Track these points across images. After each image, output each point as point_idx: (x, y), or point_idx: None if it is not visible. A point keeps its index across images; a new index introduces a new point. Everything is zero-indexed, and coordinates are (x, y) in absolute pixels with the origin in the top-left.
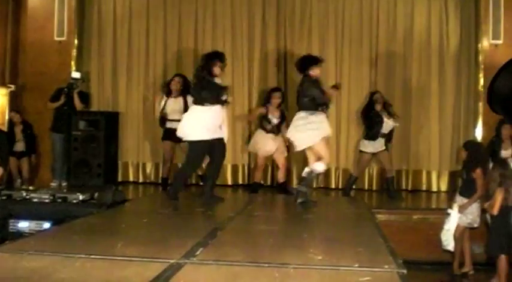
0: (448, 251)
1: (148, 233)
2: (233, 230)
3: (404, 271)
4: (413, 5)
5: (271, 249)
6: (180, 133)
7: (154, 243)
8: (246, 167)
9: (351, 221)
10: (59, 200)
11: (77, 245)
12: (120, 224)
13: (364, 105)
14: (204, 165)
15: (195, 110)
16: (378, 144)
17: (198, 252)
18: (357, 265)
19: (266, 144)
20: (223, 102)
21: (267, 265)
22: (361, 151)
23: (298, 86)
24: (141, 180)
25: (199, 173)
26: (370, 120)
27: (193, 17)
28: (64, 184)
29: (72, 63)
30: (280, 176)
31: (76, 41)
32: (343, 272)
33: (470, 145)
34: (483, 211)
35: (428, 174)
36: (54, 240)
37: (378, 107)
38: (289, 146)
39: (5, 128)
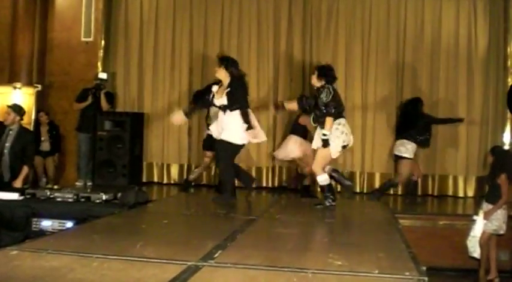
0: (474, 258)
1: (168, 234)
2: (253, 233)
3: (426, 278)
4: (441, 9)
5: (291, 253)
6: None
7: (174, 245)
8: (270, 170)
9: (373, 225)
10: (82, 200)
11: (96, 244)
12: (140, 224)
13: (409, 108)
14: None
15: None
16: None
17: (216, 255)
18: (377, 271)
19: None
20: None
21: (285, 269)
22: (404, 157)
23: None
24: (165, 181)
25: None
26: (422, 127)
27: (219, 16)
28: (89, 184)
29: (99, 63)
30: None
31: (103, 42)
32: (363, 278)
33: (497, 151)
34: (510, 217)
35: (455, 179)
36: (74, 240)
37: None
38: None
39: (31, 127)
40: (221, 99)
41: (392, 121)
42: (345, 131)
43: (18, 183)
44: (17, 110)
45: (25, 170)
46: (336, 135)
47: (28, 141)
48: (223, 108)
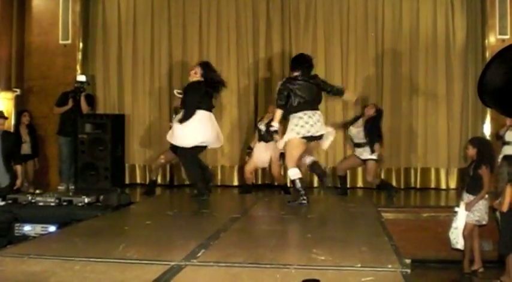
0: (457, 250)
1: (150, 235)
2: (236, 231)
3: (408, 270)
4: (419, 3)
5: (274, 249)
6: None
7: (156, 245)
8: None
9: (356, 220)
10: (65, 203)
11: (78, 248)
12: (123, 226)
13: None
14: None
15: None
16: None
17: (199, 254)
18: (359, 265)
19: (257, 155)
20: None
21: (268, 266)
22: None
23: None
24: (148, 182)
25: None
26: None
27: (198, 17)
28: (71, 187)
29: (78, 66)
30: (278, 182)
31: (81, 45)
32: (346, 272)
33: (478, 141)
34: (493, 209)
35: (437, 171)
36: (56, 244)
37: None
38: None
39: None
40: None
41: None
42: (309, 122)
43: (18, 184)
44: (5, 117)
45: (19, 169)
46: (291, 127)
47: (14, 142)
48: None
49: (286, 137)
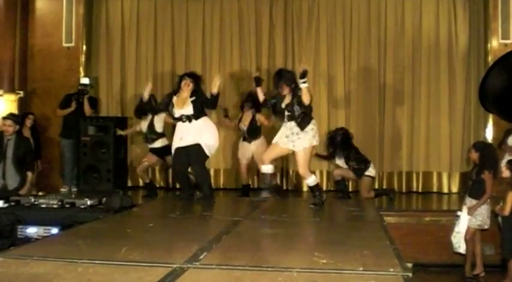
0: (459, 254)
1: (153, 238)
2: (238, 234)
3: (410, 274)
4: (422, 5)
5: (276, 253)
6: None
7: (159, 248)
8: (255, 171)
9: (358, 223)
10: (67, 206)
11: (81, 250)
12: (125, 228)
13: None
14: None
15: None
16: None
17: (201, 257)
18: (361, 268)
19: (241, 152)
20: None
21: (270, 269)
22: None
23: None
24: (145, 186)
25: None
26: None
27: (201, 20)
28: (74, 190)
29: (81, 69)
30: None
31: (84, 47)
32: (347, 275)
33: (481, 146)
34: (495, 214)
35: (439, 175)
36: (59, 246)
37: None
38: None
39: None
40: (183, 110)
41: (375, 121)
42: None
43: (24, 191)
44: (17, 120)
45: (29, 176)
46: (312, 134)
47: (28, 148)
48: (188, 117)
49: (308, 144)
